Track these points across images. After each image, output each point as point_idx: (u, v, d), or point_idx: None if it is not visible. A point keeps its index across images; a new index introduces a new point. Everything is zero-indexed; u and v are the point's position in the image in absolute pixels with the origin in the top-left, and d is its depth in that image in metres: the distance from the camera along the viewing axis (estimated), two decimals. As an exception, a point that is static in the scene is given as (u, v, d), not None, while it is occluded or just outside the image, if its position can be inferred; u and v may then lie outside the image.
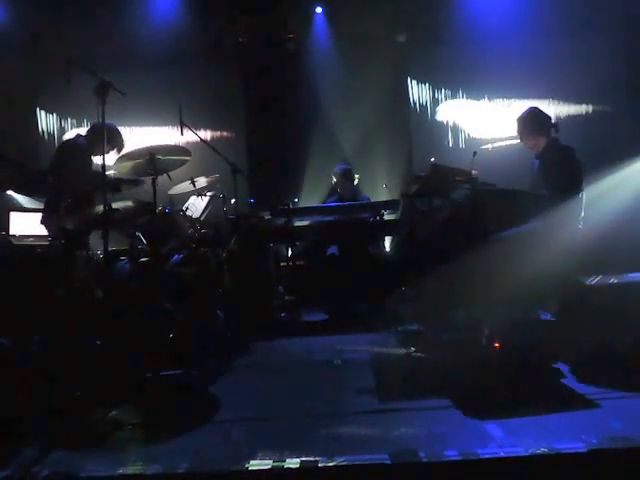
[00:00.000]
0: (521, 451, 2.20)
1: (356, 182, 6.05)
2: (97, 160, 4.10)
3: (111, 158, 3.88)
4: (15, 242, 4.51)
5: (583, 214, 3.84)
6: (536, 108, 4.15)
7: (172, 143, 5.12)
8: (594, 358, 3.16)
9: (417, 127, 7.61)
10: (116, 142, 4.21)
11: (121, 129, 4.48)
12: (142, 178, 4.06)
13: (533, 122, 4.05)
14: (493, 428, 2.46)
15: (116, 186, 3.81)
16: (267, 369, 3.91)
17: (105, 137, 3.33)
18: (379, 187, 6.45)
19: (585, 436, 2.28)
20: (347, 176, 5.99)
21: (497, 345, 3.36)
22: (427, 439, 2.39)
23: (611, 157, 4.83)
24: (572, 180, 3.83)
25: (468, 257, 3.42)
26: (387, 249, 6.04)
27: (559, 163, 3.87)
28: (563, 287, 3.50)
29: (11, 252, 4.05)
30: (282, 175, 7.29)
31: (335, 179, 6.03)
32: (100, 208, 3.26)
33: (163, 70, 7.24)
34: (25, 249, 4.30)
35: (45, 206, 4.27)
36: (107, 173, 3.43)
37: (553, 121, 4.07)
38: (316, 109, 7.37)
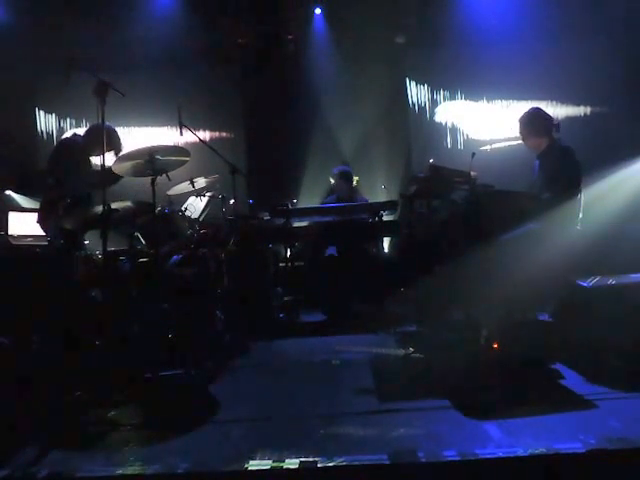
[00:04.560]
0: (519, 451, 2.21)
1: (354, 184, 6.04)
2: (95, 160, 4.08)
3: (109, 158, 3.87)
4: (14, 242, 4.51)
5: (581, 215, 3.85)
6: (538, 108, 4.13)
7: (171, 143, 5.12)
8: (592, 359, 3.17)
9: (416, 128, 7.62)
10: (114, 145, 4.16)
11: (120, 129, 4.45)
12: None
13: (535, 123, 4.03)
14: (492, 428, 2.47)
15: (116, 178, 3.79)
16: (266, 369, 3.91)
17: (104, 139, 3.32)
18: (378, 188, 6.45)
19: (583, 436, 2.29)
20: (345, 177, 5.97)
21: (495, 346, 3.37)
22: (426, 439, 2.39)
23: (609, 158, 4.84)
24: (571, 181, 3.84)
25: (466, 258, 3.43)
26: (386, 250, 6.04)
27: (558, 164, 3.88)
28: (561, 288, 3.51)
29: (10, 252, 4.05)
30: (281, 176, 7.29)
31: (333, 180, 6.03)
32: (99, 208, 3.26)
33: (163, 70, 7.25)
34: (24, 249, 4.30)
35: (42, 206, 4.25)
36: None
37: (555, 122, 4.05)
38: (315, 110, 7.37)
